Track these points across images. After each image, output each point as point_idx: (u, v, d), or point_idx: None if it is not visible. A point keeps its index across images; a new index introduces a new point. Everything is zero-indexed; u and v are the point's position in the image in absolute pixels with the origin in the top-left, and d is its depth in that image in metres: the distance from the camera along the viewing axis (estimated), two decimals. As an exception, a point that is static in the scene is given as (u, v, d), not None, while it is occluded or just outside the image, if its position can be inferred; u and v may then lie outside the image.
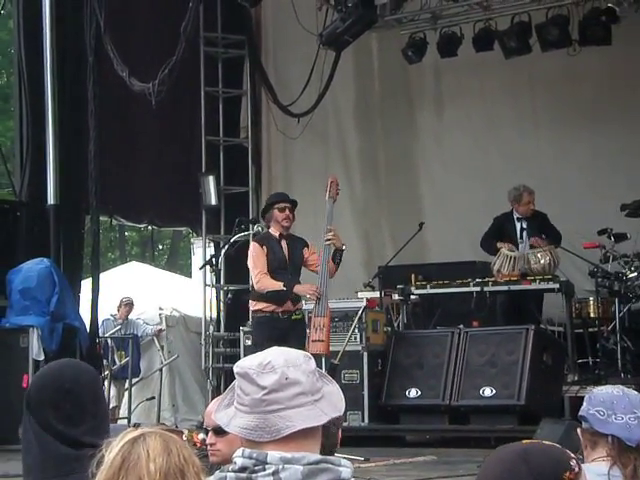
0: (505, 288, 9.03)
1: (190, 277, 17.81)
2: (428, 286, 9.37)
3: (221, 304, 11.28)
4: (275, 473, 1.83)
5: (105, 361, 10.50)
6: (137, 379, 11.03)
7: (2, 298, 8.99)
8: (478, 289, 9.05)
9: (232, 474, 1.88)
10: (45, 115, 9.55)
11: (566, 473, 1.76)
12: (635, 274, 8.82)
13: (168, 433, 1.91)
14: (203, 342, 11.21)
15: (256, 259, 7.63)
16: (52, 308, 8.82)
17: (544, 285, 8.91)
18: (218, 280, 11.14)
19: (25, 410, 2.59)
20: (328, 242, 7.65)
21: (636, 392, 2.85)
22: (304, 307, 8.37)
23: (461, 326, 8.84)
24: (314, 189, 10.76)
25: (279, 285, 7.54)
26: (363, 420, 8.63)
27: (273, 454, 1.84)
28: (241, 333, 9.77)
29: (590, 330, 9.35)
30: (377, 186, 12.19)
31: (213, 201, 11.34)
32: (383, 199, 12.15)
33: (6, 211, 9.75)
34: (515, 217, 9.34)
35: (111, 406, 10.69)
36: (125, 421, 10.21)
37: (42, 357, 8.48)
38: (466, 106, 11.56)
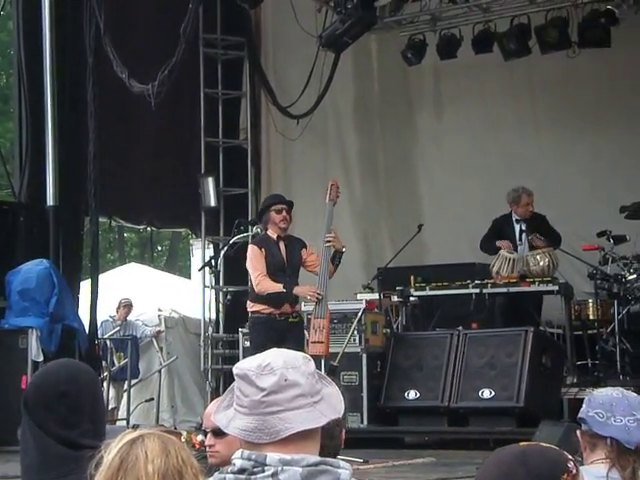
0: (504, 290, 9.03)
1: (189, 278, 17.80)
2: (427, 288, 9.37)
3: (220, 305, 11.28)
4: (274, 475, 1.83)
5: (104, 362, 10.49)
6: (136, 380, 11.02)
7: (1, 299, 8.99)
8: (477, 291, 9.05)
9: (231, 475, 1.88)
10: (45, 116, 9.55)
11: (564, 475, 1.76)
12: (634, 276, 8.82)
13: (166, 434, 1.91)
14: (202, 343, 11.21)
15: (255, 261, 7.64)
16: (51, 309, 8.82)
17: (543, 287, 8.91)
18: (217, 281, 11.15)
19: (23, 411, 2.59)
20: (328, 244, 7.66)
21: (635, 394, 2.85)
22: (304, 309, 8.39)
23: (460, 328, 8.84)
24: (313, 190, 10.76)
25: (279, 287, 7.54)
26: (362, 422, 8.62)
27: (272, 456, 1.84)
28: (240, 334, 9.77)
29: (589, 332, 9.36)
30: (376, 188, 12.19)
31: (212, 202, 11.34)
32: (382, 201, 12.16)
33: (5, 212, 9.74)
34: (514, 219, 9.34)
35: (110, 407, 10.69)
36: (124, 422, 10.21)
37: (41, 358, 8.48)
38: (465, 108, 11.57)
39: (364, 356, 8.75)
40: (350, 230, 11.35)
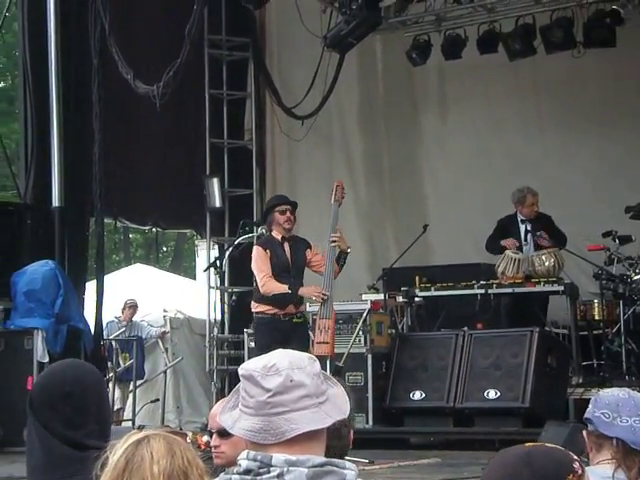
0: (509, 290, 9.02)
1: (194, 279, 17.83)
2: (432, 288, 9.36)
3: (225, 306, 11.28)
4: (280, 476, 1.83)
5: (109, 363, 10.50)
6: (141, 381, 11.03)
7: (7, 300, 9.00)
8: (482, 291, 9.04)
9: (237, 476, 1.88)
10: (50, 117, 9.57)
11: (569, 475, 1.76)
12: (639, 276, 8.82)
13: (172, 435, 1.91)
14: (207, 344, 11.21)
15: (260, 263, 7.64)
16: (57, 310, 8.82)
17: (548, 287, 8.90)
18: (222, 282, 11.15)
19: (28, 411, 2.60)
20: (333, 244, 7.66)
21: (642, 395, 2.85)
22: (309, 309, 8.39)
23: (465, 328, 8.84)
24: (318, 191, 10.77)
25: (284, 288, 7.55)
26: (367, 422, 8.62)
27: (278, 456, 1.84)
28: (245, 335, 9.78)
29: (595, 332, 9.34)
30: (381, 188, 12.19)
31: (217, 203, 11.35)
32: (387, 201, 12.15)
33: (11, 213, 9.76)
34: (519, 219, 9.33)
35: (115, 408, 10.69)
36: (129, 423, 10.22)
37: (46, 359, 8.49)
38: (470, 108, 11.56)
39: (369, 357, 8.75)
40: (355, 231, 11.34)
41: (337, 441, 2.56)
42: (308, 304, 8.46)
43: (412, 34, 10.79)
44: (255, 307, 7.76)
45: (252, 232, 9.68)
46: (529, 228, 9.25)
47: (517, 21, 10.22)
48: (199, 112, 11.60)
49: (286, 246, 7.75)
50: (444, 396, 8.47)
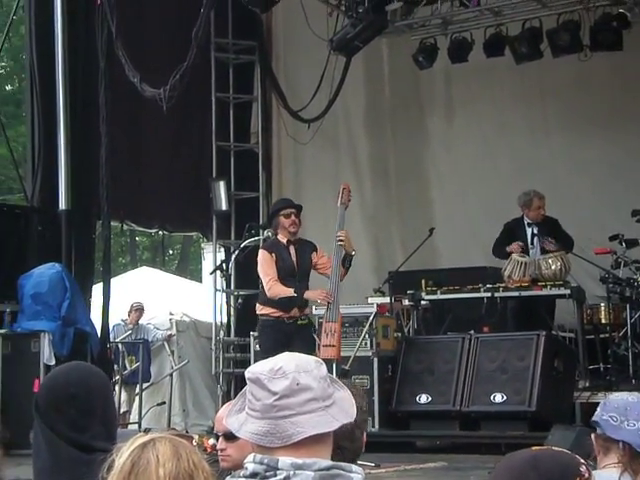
0: (516, 294, 9.01)
1: (200, 282, 17.84)
2: (438, 292, 9.35)
3: (231, 309, 11.29)
4: (286, 479, 1.83)
5: (116, 366, 10.52)
6: (148, 384, 11.04)
7: (14, 303, 9.02)
8: (489, 295, 9.03)
9: (243, 479, 1.88)
10: (57, 120, 9.59)
11: (576, 479, 1.75)
12: (646, 280, 8.80)
13: (178, 438, 1.91)
14: (213, 347, 11.21)
15: (266, 266, 7.65)
16: (63, 313, 8.84)
17: (555, 291, 8.89)
18: (228, 285, 11.15)
19: (34, 413, 2.60)
20: (341, 243, 7.65)
21: (651, 399, 2.84)
22: (315, 312, 8.39)
23: (472, 332, 8.82)
24: (324, 194, 10.77)
25: (290, 291, 7.56)
26: (373, 426, 8.60)
27: (284, 460, 1.84)
28: (251, 338, 9.78)
29: (601, 336, 9.32)
30: (387, 191, 12.19)
31: (224, 206, 11.36)
32: (393, 204, 12.15)
33: (18, 216, 9.79)
34: (526, 222, 9.32)
35: (122, 411, 10.70)
36: (136, 426, 10.23)
37: (53, 362, 8.50)
38: (476, 112, 11.56)
39: (375, 360, 8.74)
40: (361, 234, 11.34)
41: (350, 443, 2.56)
42: (314, 307, 8.46)
43: (418, 37, 10.78)
44: (260, 309, 7.78)
45: (258, 235, 9.69)
46: (535, 231, 9.24)
47: (524, 24, 10.21)
48: (205, 115, 11.61)
49: (292, 249, 7.75)
50: (450, 400, 8.46)
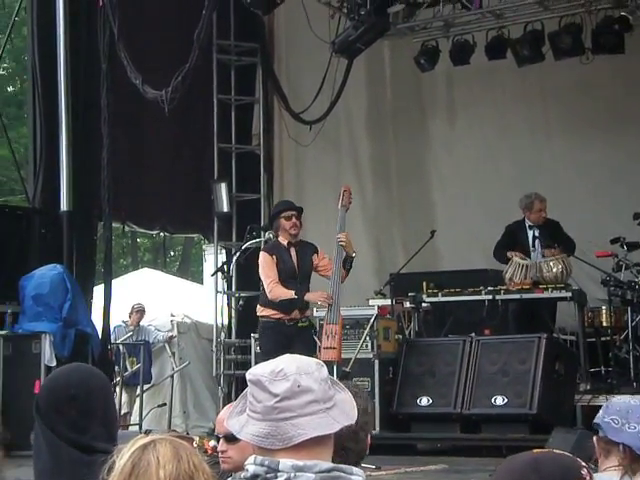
0: (517, 296, 9.01)
1: (202, 284, 17.86)
2: (440, 294, 9.35)
3: (232, 311, 11.29)
4: (287, 481, 1.83)
5: (117, 367, 10.52)
6: (148, 386, 11.04)
7: (15, 304, 9.03)
8: (490, 297, 9.03)
9: (244, 481, 1.88)
10: (59, 122, 9.59)
11: (578, 482, 1.75)
12: (648, 283, 8.79)
13: (178, 440, 1.91)
14: (214, 349, 11.21)
15: (267, 269, 7.66)
16: (64, 314, 8.84)
17: (556, 294, 8.89)
18: (229, 287, 11.14)
19: (35, 415, 2.60)
20: (342, 243, 7.65)
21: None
22: (316, 314, 8.39)
23: (473, 334, 8.82)
24: (326, 196, 10.77)
25: (291, 294, 7.56)
26: (374, 428, 8.60)
27: (285, 462, 1.84)
28: (252, 340, 9.78)
29: (602, 339, 9.32)
30: (389, 193, 12.19)
31: (225, 208, 11.36)
32: (395, 207, 12.15)
33: (19, 217, 9.80)
34: (527, 225, 9.31)
35: (122, 412, 10.70)
36: (136, 427, 10.23)
37: (54, 363, 8.50)
38: (478, 114, 11.56)
39: (376, 362, 8.74)
40: (362, 236, 11.34)
41: (354, 444, 2.56)
42: (315, 309, 8.46)
43: (420, 40, 10.79)
44: (261, 311, 7.78)
45: (259, 237, 9.69)
46: (537, 234, 9.24)
47: (525, 27, 10.22)
48: (207, 117, 11.61)
49: (292, 252, 7.75)
50: (451, 402, 8.46)
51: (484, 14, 10.48)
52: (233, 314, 11.31)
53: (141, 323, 11.61)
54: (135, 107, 10.31)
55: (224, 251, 11.94)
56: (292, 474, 1.83)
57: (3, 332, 8.89)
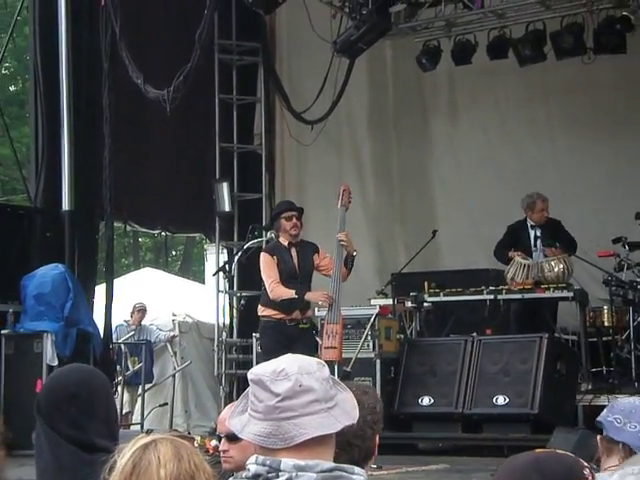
0: (519, 296, 9.01)
1: (203, 283, 17.84)
2: (441, 294, 9.35)
3: (234, 310, 11.29)
4: (288, 480, 1.83)
5: (118, 367, 10.51)
6: (150, 385, 11.04)
7: (16, 303, 9.03)
8: (492, 297, 9.03)
9: (245, 481, 1.89)
10: (60, 121, 9.59)
11: (579, 482, 1.75)
12: (650, 283, 8.79)
13: (179, 439, 1.91)
14: (216, 348, 11.21)
15: (268, 269, 7.66)
16: (66, 313, 8.84)
17: (558, 293, 8.89)
18: (231, 286, 11.16)
19: (36, 414, 2.61)
20: (343, 242, 7.65)
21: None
22: (317, 314, 8.38)
23: (474, 334, 8.82)
24: (327, 196, 10.75)
25: (292, 293, 7.56)
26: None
27: (287, 461, 1.84)
28: (254, 339, 9.77)
29: (604, 339, 9.31)
30: (390, 193, 12.19)
31: (227, 208, 11.36)
32: (396, 206, 12.15)
33: (21, 217, 9.80)
34: (529, 225, 9.32)
35: (124, 412, 10.71)
36: (138, 427, 10.23)
37: (56, 362, 8.50)
38: (480, 114, 11.56)
39: (378, 362, 8.74)
40: (364, 236, 11.34)
41: (361, 442, 2.55)
42: (316, 309, 8.46)
43: (422, 39, 10.79)
44: (262, 311, 7.78)
45: (261, 237, 9.69)
46: (539, 234, 9.24)
47: (527, 27, 10.21)
48: (209, 117, 11.61)
49: (293, 252, 7.76)
50: (453, 402, 8.46)
51: (486, 14, 10.48)
52: (235, 314, 11.32)
53: (143, 322, 11.61)
54: (137, 107, 10.31)
55: (226, 251, 11.94)
56: (294, 474, 1.83)
57: (5, 331, 8.89)
